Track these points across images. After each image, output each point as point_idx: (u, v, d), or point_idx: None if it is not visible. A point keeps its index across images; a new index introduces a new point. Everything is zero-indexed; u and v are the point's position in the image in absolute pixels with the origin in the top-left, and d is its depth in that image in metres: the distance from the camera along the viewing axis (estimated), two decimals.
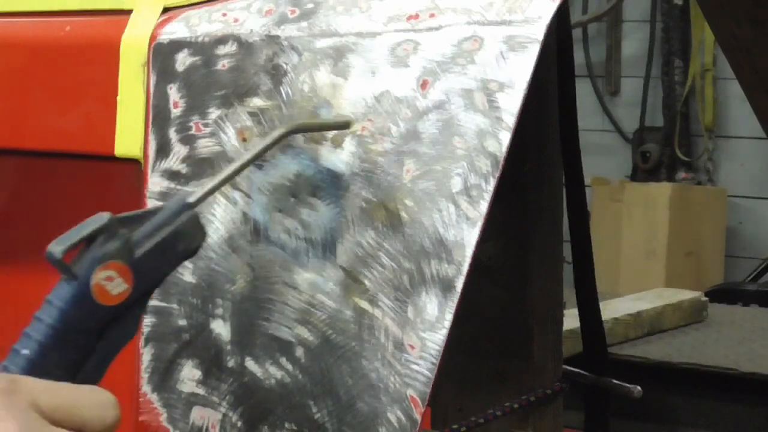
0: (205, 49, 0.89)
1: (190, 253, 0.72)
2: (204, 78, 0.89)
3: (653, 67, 4.49)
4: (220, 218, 0.87)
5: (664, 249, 4.04)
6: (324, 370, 0.83)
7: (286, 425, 0.85)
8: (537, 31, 0.76)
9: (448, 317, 0.77)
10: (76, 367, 0.68)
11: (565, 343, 0.99)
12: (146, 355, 0.91)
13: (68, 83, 0.97)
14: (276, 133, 0.76)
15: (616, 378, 1.08)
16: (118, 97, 0.93)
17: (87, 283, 0.67)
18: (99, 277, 0.67)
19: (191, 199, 0.72)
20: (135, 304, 0.69)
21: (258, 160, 0.77)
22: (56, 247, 0.68)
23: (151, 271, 0.70)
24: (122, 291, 0.68)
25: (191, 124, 0.89)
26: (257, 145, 0.75)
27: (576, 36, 4.38)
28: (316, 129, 0.80)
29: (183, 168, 0.89)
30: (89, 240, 0.68)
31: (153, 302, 0.91)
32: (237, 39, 0.88)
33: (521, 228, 0.94)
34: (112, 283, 0.68)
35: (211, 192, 0.74)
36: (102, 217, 0.68)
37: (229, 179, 0.75)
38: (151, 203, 0.91)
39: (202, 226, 0.72)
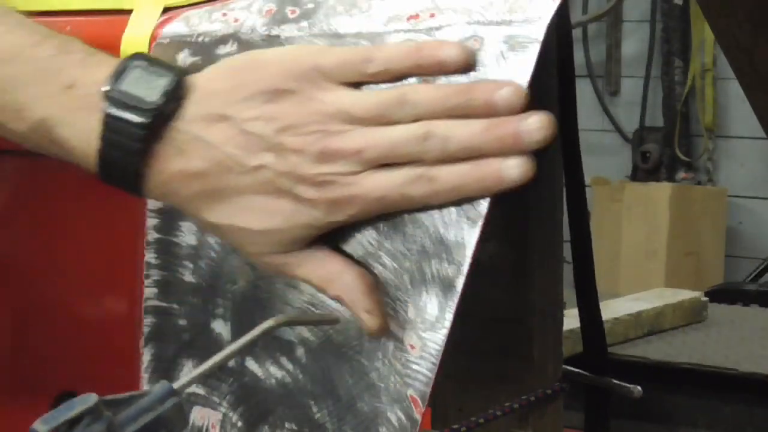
0: (205, 49, 0.89)
1: None
2: None
3: (653, 67, 4.50)
4: None
5: (664, 249, 4.05)
6: (324, 370, 0.83)
7: (287, 425, 0.85)
8: (537, 31, 0.76)
9: (449, 317, 0.77)
10: None
11: (565, 343, 0.99)
12: (146, 355, 0.91)
13: None
14: (265, 325, 0.77)
15: (616, 378, 1.08)
16: None
17: None
18: None
19: (176, 386, 0.74)
20: None
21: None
22: (41, 427, 0.70)
23: None
24: None
25: None
26: (246, 336, 0.77)
27: (576, 36, 4.38)
28: (303, 323, 0.81)
29: None
30: (74, 421, 0.70)
31: (153, 302, 0.91)
32: (237, 39, 0.88)
33: (521, 228, 0.94)
34: None
35: (196, 379, 0.75)
36: (89, 399, 0.70)
37: (215, 368, 0.76)
38: (151, 203, 0.91)
39: (184, 413, 0.74)
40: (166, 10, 0.93)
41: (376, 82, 0.79)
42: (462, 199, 0.76)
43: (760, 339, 1.67)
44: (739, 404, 1.51)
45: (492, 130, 0.75)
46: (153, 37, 0.91)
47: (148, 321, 0.91)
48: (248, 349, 0.79)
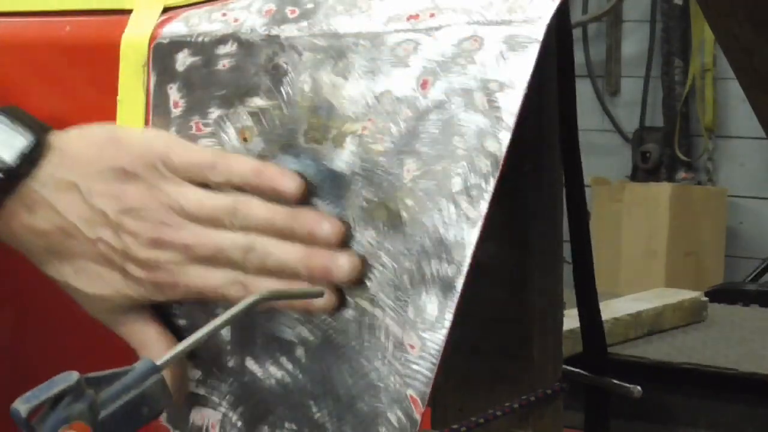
0: (205, 49, 0.89)
1: (155, 415, 0.75)
2: (204, 78, 0.89)
3: (653, 67, 4.50)
4: None
5: (664, 249, 4.05)
6: (324, 370, 0.83)
7: (286, 425, 0.85)
8: (537, 31, 0.76)
9: (448, 317, 0.77)
10: None
11: (565, 343, 0.99)
12: None
13: (68, 83, 0.97)
14: (247, 301, 0.79)
15: (616, 378, 1.08)
16: (118, 97, 0.93)
17: None
18: None
19: (159, 363, 0.75)
20: None
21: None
22: (22, 406, 0.70)
23: None
24: None
25: (192, 124, 0.89)
26: (229, 311, 0.79)
27: (576, 36, 4.38)
28: (287, 297, 0.83)
29: None
30: (56, 400, 0.70)
31: None
32: (237, 39, 0.88)
33: (521, 228, 0.94)
34: None
35: (178, 355, 0.76)
36: (70, 377, 0.71)
37: (197, 343, 0.77)
38: None
39: (167, 389, 0.75)
40: (166, 10, 0.93)
41: (218, 189, 0.84)
42: (462, 199, 0.76)
43: (760, 339, 1.67)
44: (739, 404, 1.51)
45: (307, 259, 0.81)
46: (153, 37, 0.91)
47: None
48: (237, 320, 0.80)
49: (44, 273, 0.88)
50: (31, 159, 0.85)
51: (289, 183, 0.83)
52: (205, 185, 0.85)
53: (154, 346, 0.86)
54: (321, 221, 0.81)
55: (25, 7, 0.99)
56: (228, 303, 0.82)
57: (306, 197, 0.83)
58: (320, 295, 0.82)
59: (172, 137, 0.89)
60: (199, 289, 0.84)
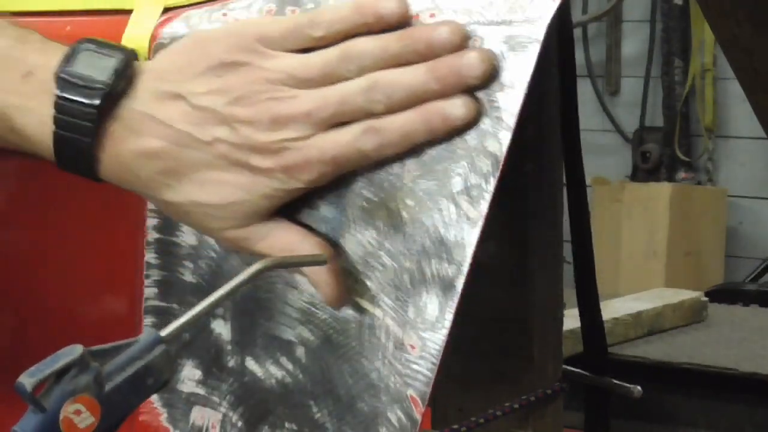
0: None
1: (160, 386, 0.74)
2: None
3: (653, 67, 4.49)
4: None
5: (664, 249, 4.04)
6: (324, 370, 0.83)
7: (287, 425, 0.85)
8: (537, 31, 0.76)
9: (449, 317, 0.77)
10: None
11: (565, 343, 0.99)
12: None
13: None
14: (252, 269, 0.77)
15: (616, 378, 1.08)
16: None
17: (56, 416, 0.69)
18: (68, 410, 0.69)
19: (164, 334, 0.74)
20: None
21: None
22: (27, 380, 0.69)
23: (119, 405, 0.72)
24: (89, 425, 0.70)
25: None
26: (234, 280, 0.76)
27: (576, 36, 4.37)
28: (291, 265, 0.81)
29: None
30: (61, 373, 0.70)
31: (153, 302, 0.91)
32: None
33: (521, 228, 0.94)
34: (79, 417, 0.70)
35: (184, 326, 0.75)
36: (74, 350, 0.70)
37: (203, 313, 0.75)
38: (151, 204, 0.91)
39: (172, 360, 0.74)
40: (166, 10, 0.93)
41: (323, 46, 0.80)
42: (462, 199, 0.76)
43: (760, 339, 1.67)
44: (739, 404, 1.51)
45: (433, 71, 0.76)
46: (153, 37, 0.91)
47: (148, 321, 0.91)
48: (241, 289, 0.78)
49: (164, 203, 0.83)
50: (125, 76, 0.81)
51: (388, 3, 0.78)
52: (307, 52, 0.80)
53: (301, 251, 0.80)
54: (435, 28, 0.77)
55: (25, 7, 0.99)
56: (367, 160, 0.79)
57: (410, 18, 0.79)
58: (324, 262, 0.80)
59: (257, 19, 0.84)
60: (332, 155, 0.78)
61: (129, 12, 0.94)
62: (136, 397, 0.72)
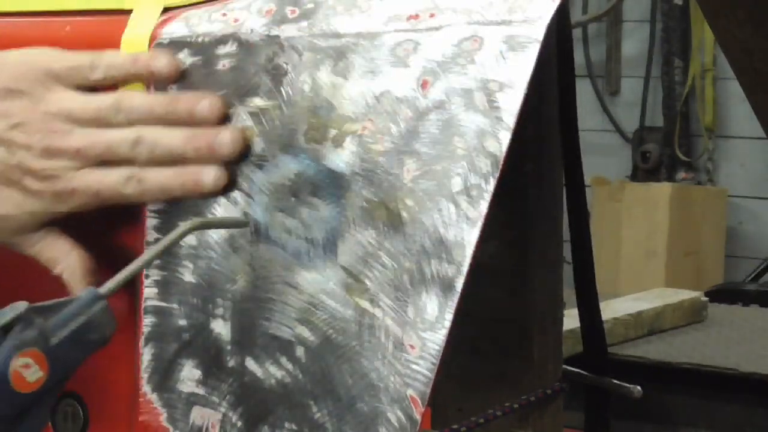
0: (205, 49, 0.89)
1: (103, 341, 0.77)
2: (204, 78, 0.89)
3: (653, 67, 4.50)
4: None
5: (664, 249, 4.05)
6: (324, 370, 0.83)
7: (286, 425, 0.85)
8: (537, 31, 0.76)
9: (448, 317, 0.77)
10: None
11: (565, 343, 0.99)
12: (146, 355, 0.91)
13: None
14: (180, 230, 0.83)
15: (616, 378, 1.08)
16: None
17: (5, 370, 0.70)
18: (16, 364, 0.70)
19: (102, 291, 0.77)
20: (47, 392, 0.71)
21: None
22: None
23: (65, 359, 0.74)
24: (38, 378, 0.72)
25: None
26: (163, 240, 0.83)
27: (576, 36, 4.38)
28: (215, 226, 0.86)
29: None
30: (6, 328, 0.71)
31: (153, 302, 0.91)
32: (237, 39, 0.88)
33: (521, 228, 0.94)
34: (28, 371, 0.71)
35: (120, 284, 0.79)
36: (19, 306, 0.72)
37: (137, 271, 0.81)
38: (151, 204, 0.91)
39: (112, 316, 0.77)
40: (166, 10, 0.93)
41: (102, 89, 0.88)
42: (462, 199, 0.76)
43: (760, 339, 1.67)
44: (739, 404, 1.51)
45: (191, 141, 0.85)
46: (153, 37, 0.91)
47: (147, 321, 0.91)
48: (169, 249, 0.85)
49: None
50: None
51: (161, 61, 0.87)
52: (90, 92, 0.87)
53: (67, 259, 0.88)
54: (199, 100, 0.86)
55: (26, 7, 0.99)
56: (126, 201, 0.86)
57: (179, 75, 0.87)
58: (246, 224, 0.85)
59: (52, 50, 0.90)
60: (95, 191, 0.86)
61: (129, 12, 0.94)
62: (81, 351, 0.75)
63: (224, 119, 0.86)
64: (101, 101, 0.87)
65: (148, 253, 0.81)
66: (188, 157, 0.85)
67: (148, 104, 0.87)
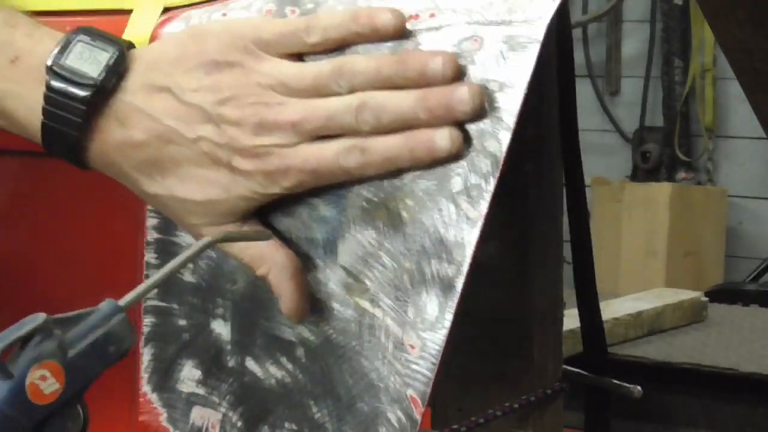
0: None
1: (122, 354, 0.75)
2: None
3: (653, 67, 4.49)
4: None
5: (664, 249, 4.04)
6: (324, 370, 0.83)
7: (287, 425, 0.85)
8: (537, 31, 0.76)
9: (448, 317, 0.77)
10: None
11: (565, 343, 0.99)
12: (146, 355, 0.91)
13: None
14: (201, 243, 0.79)
15: (616, 378, 1.08)
16: None
17: (22, 382, 0.70)
18: (34, 376, 0.70)
19: (122, 303, 0.75)
20: (64, 405, 0.71)
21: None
22: None
23: (82, 371, 0.73)
24: (54, 390, 0.71)
25: None
26: (185, 252, 0.78)
27: (576, 36, 4.38)
28: (238, 239, 0.82)
29: None
30: (25, 340, 0.71)
31: (153, 302, 0.91)
32: None
33: (521, 228, 0.94)
34: (45, 383, 0.71)
35: (141, 296, 0.76)
36: (38, 318, 0.71)
37: (157, 284, 0.77)
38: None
39: (132, 328, 0.75)
40: (166, 10, 0.93)
41: (317, 53, 0.80)
42: (462, 199, 0.76)
43: (760, 339, 1.67)
44: (739, 404, 1.51)
45: (424, 101, 0.76)
46: (153, 37, 0.91)
47: (147, 321, 0.91)
48: (193, 262, 0.82)
49: (145, 194, 0.83)
50: (117, 71, 0.81)
51: (386, 15, 0.78)
52: (301, 59, 0.81)
53: (272, 260, 0.81)
54: (430, 58, 0.76)
55: (26, 8, 0.99)
56: (346, 176, 0.79)
57: (406, 31, 0.79)
58: (268, 237, 0.81)
59: (256, 18, 0.84)
60: (313, 167, 0.78)
61: (129, 12, 0.94)
62: (99, 364, 0.74)
63: (458, 78, 0.76)
64: (319, 68, 0.79)
65: (168, 266, 0.77)
66: (420, 120, 0.76)
67: (375, 66, 0.78)
